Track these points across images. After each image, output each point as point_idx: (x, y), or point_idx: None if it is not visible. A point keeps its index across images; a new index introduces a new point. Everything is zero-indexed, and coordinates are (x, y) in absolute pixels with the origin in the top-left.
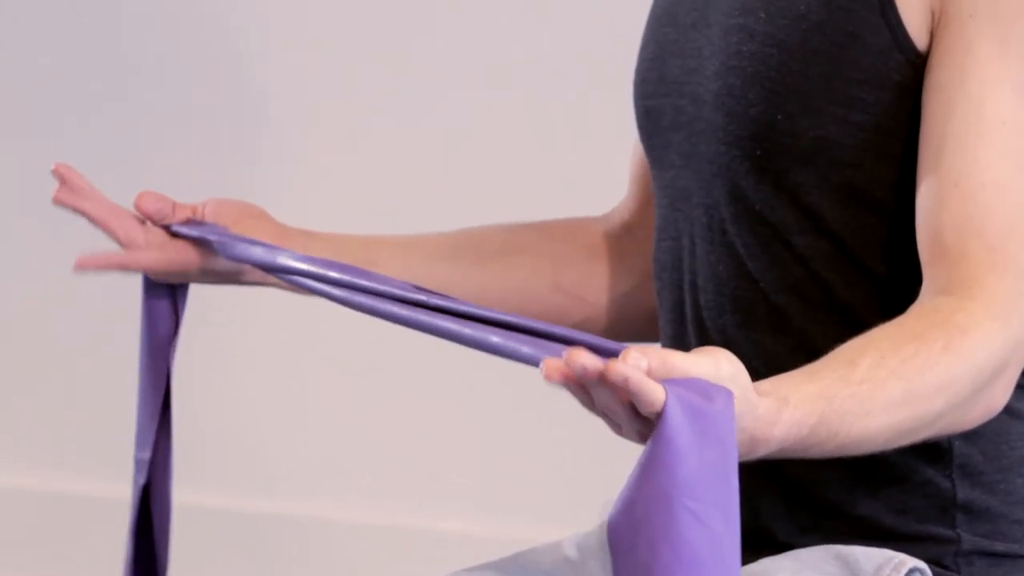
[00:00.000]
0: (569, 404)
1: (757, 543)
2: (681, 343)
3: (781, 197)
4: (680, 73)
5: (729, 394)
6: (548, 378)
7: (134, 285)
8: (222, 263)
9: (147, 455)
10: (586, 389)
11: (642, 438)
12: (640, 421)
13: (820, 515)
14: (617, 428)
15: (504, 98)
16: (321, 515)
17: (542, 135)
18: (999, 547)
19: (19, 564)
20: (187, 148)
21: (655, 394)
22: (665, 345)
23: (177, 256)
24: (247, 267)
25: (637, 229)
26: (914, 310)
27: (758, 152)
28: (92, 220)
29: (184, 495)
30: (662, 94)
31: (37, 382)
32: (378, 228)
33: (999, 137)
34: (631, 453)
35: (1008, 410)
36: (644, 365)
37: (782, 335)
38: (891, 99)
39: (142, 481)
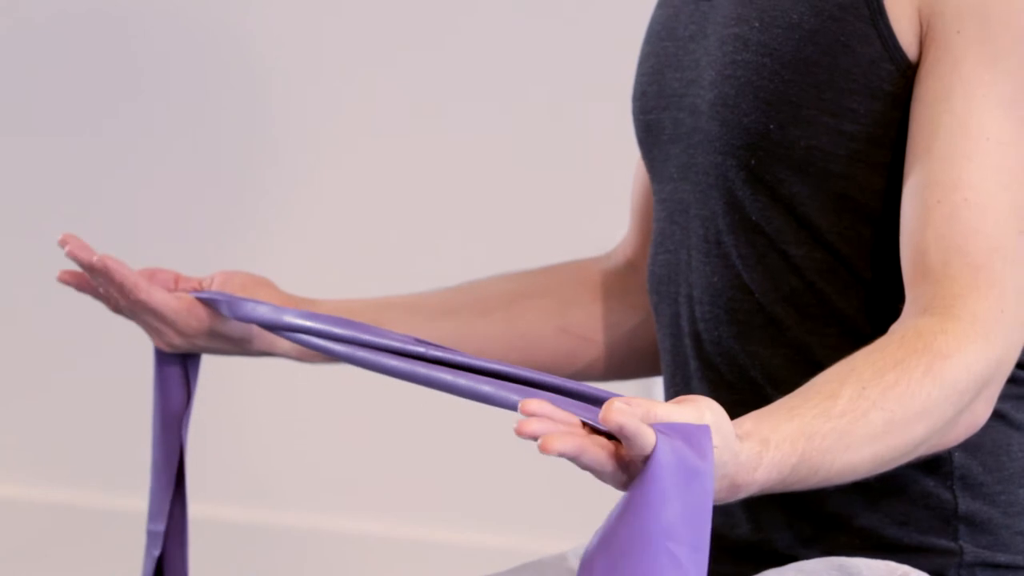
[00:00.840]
0: None
1: (759, 556)
2: (679, 355)
3: (777, 207)
4: (679, 86)
5: (706, 431)
6: (544, 449)
7: None
8: (230, 327)
9: (161, 527)
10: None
11: (624, 487)
12: (625, 473)
13: (821, 527)
14: (601, 476)
15: (506, 114)
16: (319, 526)
17: (542, 150)
18: (1001, 558)
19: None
20: (190, 161)
21: (647, 438)
22: (664, 359)
23: (185, 309)
24: (255, 333)
25: (640, 264)
26: (896, 332)
27: (753, 162)
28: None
29: None
30: (662, 108)
31: (34, 392)
32: (379, 237)
33: (983, 154)
34: None
35: (1008, 421)
36: (627, 412)
37: (779, 346)
38: (882, 109)
39: (156, 553)
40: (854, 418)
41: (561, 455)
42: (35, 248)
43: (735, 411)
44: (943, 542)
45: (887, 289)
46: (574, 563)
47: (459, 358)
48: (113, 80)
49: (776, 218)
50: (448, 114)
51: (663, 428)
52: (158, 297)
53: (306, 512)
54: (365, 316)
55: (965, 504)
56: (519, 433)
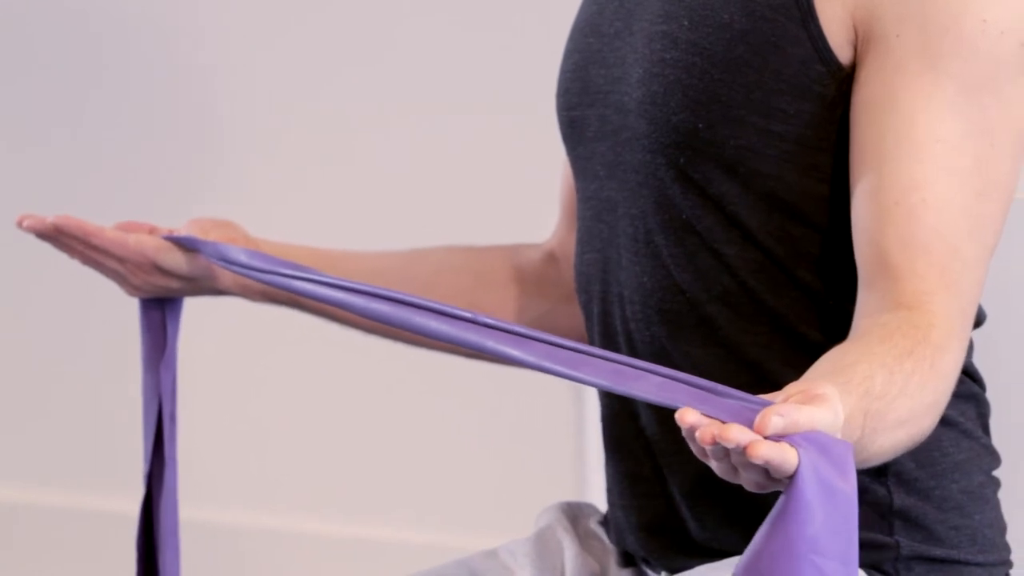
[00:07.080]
0: (504, 420)
1: (707, 553)
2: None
3: (708, 206)
4: (604, 83)
5: (849, 448)
6: (702, 439)
7: (122, 299)
8: (180, 265)
9: (146, 469)
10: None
11: (759, 488)
12: (769, 481)
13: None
14: (734, 475)
15: (450, 121)
16: (265, 525)
17: (489, 153)
18: (937, 552)
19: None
20: (143, 164)
21: (789, 464)
22: None
23: (134, 246)
24: (209, 272)
25: (560, 256)
26: (888, 322)
27: (682, 160)
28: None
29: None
30: (586, 104)
31: (34, 392)
32: (356, 238)
33: (935, 156)
34: (562, 466)
35: (941, 418)
36: (780, 425)
37: (712, 345)
38: (812, 110)
39: (144, 492)
40: (887, 401)
41: (737, 444)
42: (33, 247)
43: (672, 413)
44: (879, 537)
45: (821, 288)
46: (506, 558)
47: (517, 328)
48: (80, 78)
49: (706, 217)
50: (427, 114)
51: (803, 440)
52: (108, 236)
53: (261, 512)
54: (304, 258)
55: (900, 499)
56: (681, 421)
